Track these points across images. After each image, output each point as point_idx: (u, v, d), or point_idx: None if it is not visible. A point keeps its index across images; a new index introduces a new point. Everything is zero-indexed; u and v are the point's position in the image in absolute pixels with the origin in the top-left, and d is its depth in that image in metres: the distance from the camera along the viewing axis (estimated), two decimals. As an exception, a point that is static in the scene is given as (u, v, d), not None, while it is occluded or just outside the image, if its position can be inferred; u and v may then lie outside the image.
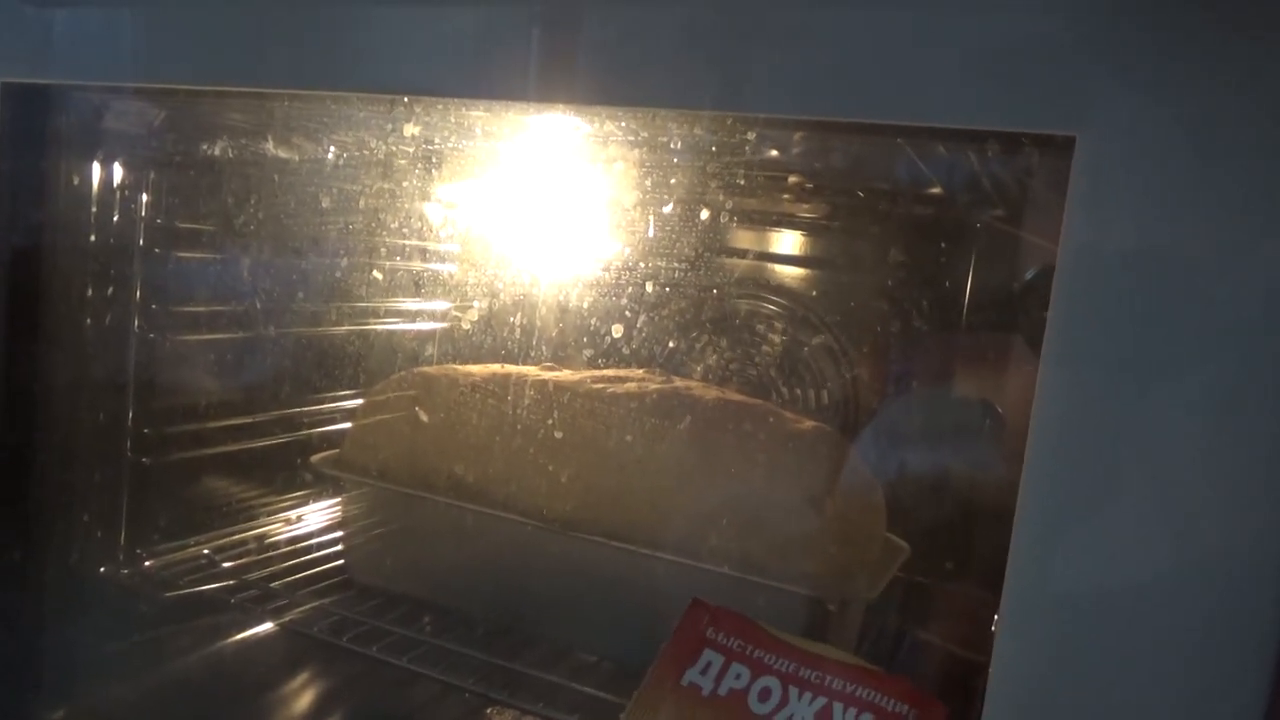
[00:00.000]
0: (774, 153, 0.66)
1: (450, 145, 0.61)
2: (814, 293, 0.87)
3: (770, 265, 0.89)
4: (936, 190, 0.73)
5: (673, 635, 0.50)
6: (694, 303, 0.83)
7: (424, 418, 0.69)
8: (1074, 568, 0.38)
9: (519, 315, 0.71)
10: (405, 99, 0.54)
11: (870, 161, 0.70)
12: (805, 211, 0.86)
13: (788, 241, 0.89)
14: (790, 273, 0.88)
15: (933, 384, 0.82)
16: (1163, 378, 0.37)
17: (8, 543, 0.66)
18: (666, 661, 0.48)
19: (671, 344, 0.78)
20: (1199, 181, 0.36)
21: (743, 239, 0.89)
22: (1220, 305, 0.36)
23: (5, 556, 0.66)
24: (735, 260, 0.88)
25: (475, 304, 0.71)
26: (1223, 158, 0.36)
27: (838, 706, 0.45)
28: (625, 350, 0.68)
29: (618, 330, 0.66)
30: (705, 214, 0.69)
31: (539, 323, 0.70)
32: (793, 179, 0.76)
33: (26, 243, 0.67)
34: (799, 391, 0.88)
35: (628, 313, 0.67)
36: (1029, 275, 0.68)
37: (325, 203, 0.74)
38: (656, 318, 0.70)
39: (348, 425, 0.81)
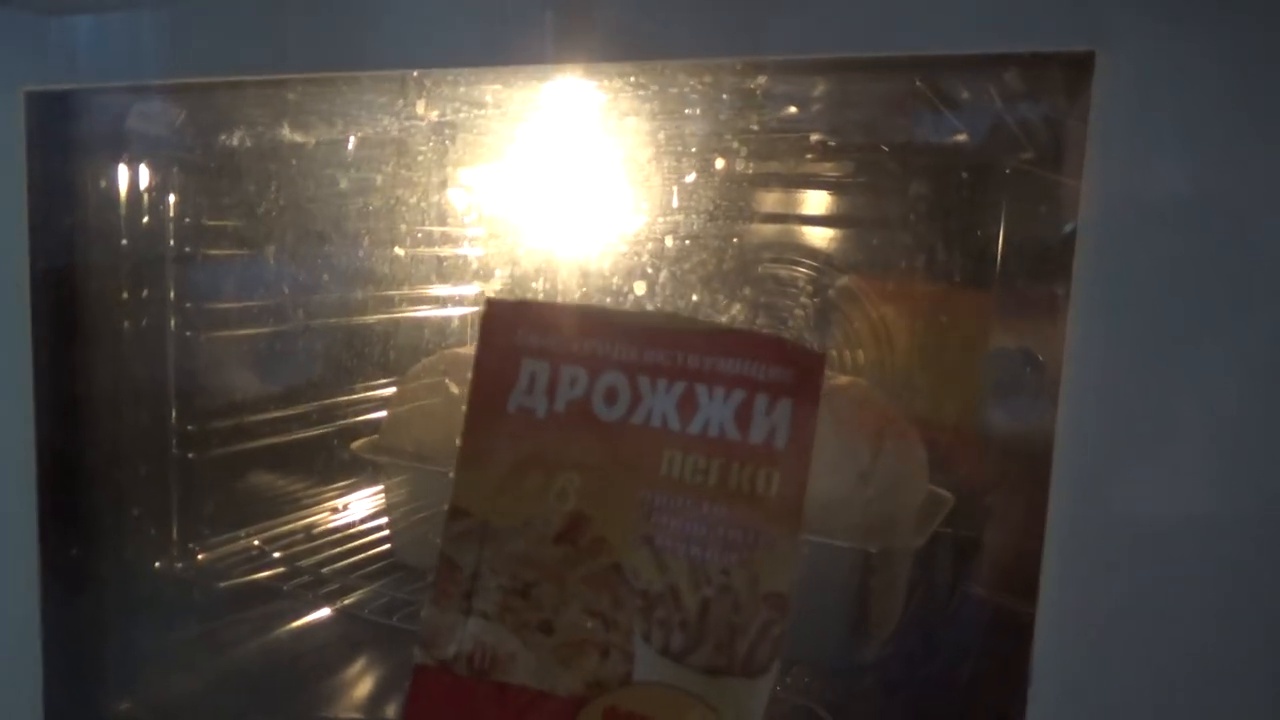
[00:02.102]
0: (793, 109, 0.65)
1: (462, 118, 0.61)
2: (844, 251, 0.86)
3: (797, 227, 0.88)
4: (962, 137, 0.71)
5: (478, 353, 0.38)
6: (725, 267, 0.83)
7: (455, 390, 0.69)
8: (1116, 515, 0.37)
9: (541, 282, 0.71)
10: (415, 75, 0.54)
11: (892, 112, 0.69)
12: (829, 170, 0.85)
13: (813, 201, 0.88)
14: (819, 232, 0.87)
15: (971, 335, 0.81)
16: (1206, 323, 0.36)
17: (64, 542, 0.68)
18: (481, 391, 0.37)
19: (695, 300, 0.77)
20: (1239, 107, 0.35)
21: (767, 201, 0.88)
22: (1264, 246, 0.35)
23: (63, 555, 0.68)
24: (762, 224, 0.88)
25: (497, 273, 0.71)
26: (1270, 86, 0.34)
27: (701, 390, 0.34)
28: (649, 308, 0.68)
29: (640, 288, 0.66)
30: (722, 173, 0.68)
31: (560, 287, 0.70)
32: (814, 136, 0.75)
33: (61, 249, 0.68)
34: (835, 352, 0.87)
35: (649, 269, 0.67)
36: (1066, 222, 0.67)
37: (344, 185, 0.75)
38: (679, 272, 0.70)
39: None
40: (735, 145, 0.66)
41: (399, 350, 0.89)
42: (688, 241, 0.68)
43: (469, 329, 0.92)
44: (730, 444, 0.34)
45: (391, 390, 0.84)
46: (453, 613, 0.33)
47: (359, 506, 0.90)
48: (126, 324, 0.74)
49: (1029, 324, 0.77)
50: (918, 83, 0.57)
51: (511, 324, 0.38)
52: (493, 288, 0.73)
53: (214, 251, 0.79)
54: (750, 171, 0.75)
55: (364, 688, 0.78)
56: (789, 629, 0.59)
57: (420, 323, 0.91)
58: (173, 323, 0.77)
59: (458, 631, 0.33)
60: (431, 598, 0.34)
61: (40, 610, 0.66)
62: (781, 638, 0.32)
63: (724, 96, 0.57)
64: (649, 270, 0.66)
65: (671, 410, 0.35)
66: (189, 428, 0.79)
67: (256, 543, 0.82)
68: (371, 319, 0.89)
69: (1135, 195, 0.37)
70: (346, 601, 0.75)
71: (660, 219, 0.67)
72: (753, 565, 0.32)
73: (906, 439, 0.67)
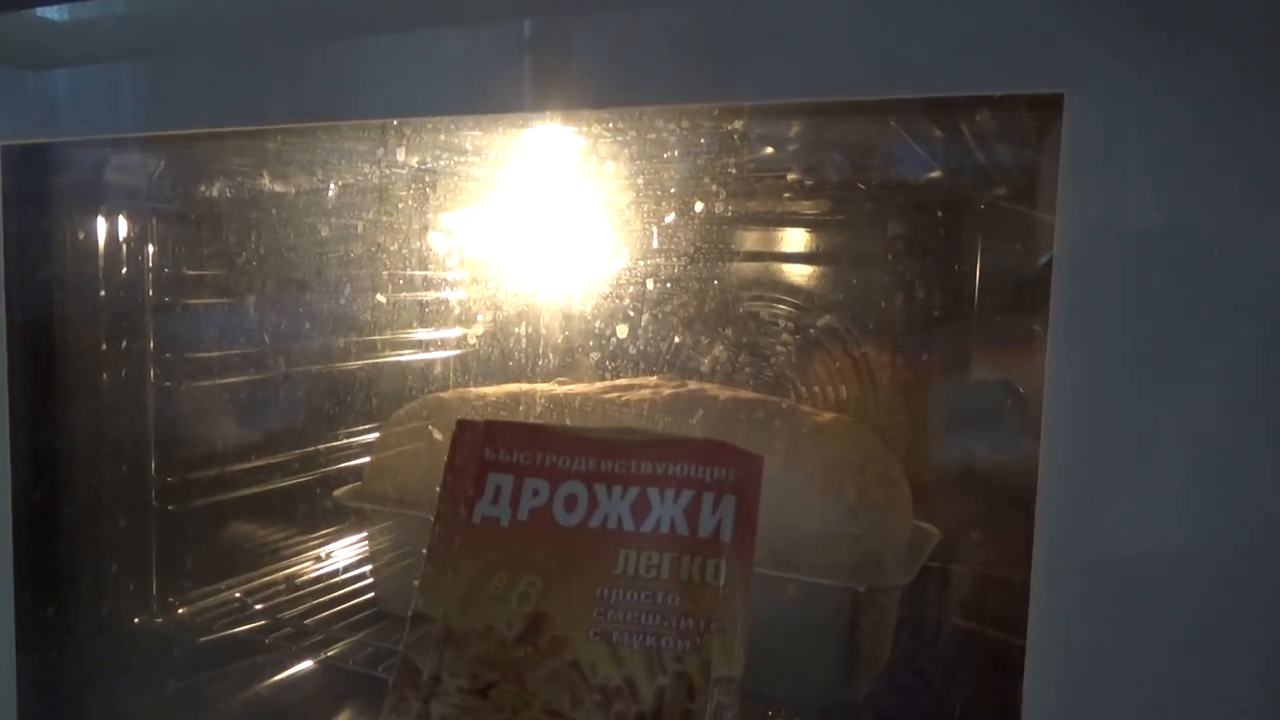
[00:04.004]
0: (770, 150, 0.66)
1: (443, 164, 0.62)
2: (824, 289, 0.87)
3: (777, 265, 0.89)
4: (937, 174, 0.72)
5: (447, 470, 0.41)
6: (707, 307, 0.83)
7: (438, 436, 0.69)
8: (1102, 541, 0.38)
9: (524, 326, 0.71)
10: (395, 123, 0.55)
11: (867, 151, 0.70)
12: (807, 209, 0.86)
13: (793, 240, 0.89)
14: (799, 270, 0.88)
15: (952, 369, 0.82)
16: (1182, 352, 0.36)
17: (40, 599, 0.67)
18: (450, 502, 0.40)
19: (678, 341, 0.77)
20: (1204, 147, 0.36)
21: (747, 241, 0.89)
22: (1235, 273, 0.35)
23: (39, 613, 0.67)
24: (742, 264, 0.88)
25: (479, 318, 0.71)
26: (1230, 121, 0.35)
27: (653, 493, 0.38)
28: (631, 350, 0.68)
29: (622, 331, 0.66)
30: (701, 215, 0.69)
31: (543, 331, 0.70)
32: (791, 176, 0.76)
33: (38, 301, 0.67)
34: (817, 389, 0.87)
35: (630, 312, 0.67)
36: (1042, 255, 0.68)
37: (325, 233, 0.75)
38: (661, 314, 0.70)
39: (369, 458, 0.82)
40: (714, 188, 0.67)
41: (381, 396, 0.89)
42: (669, 284, 0.69)
43: (451, 374, 0.92)
44: (680, 539, 0.36)
45: (374, 436, 0.84)
46: (411, 718, 0.35)
47: (342, 555, 0.89)
48: (105, 375, 0.73)
49: (1009, 356, 0.78)
50: (891, 123, 0.58)
51: (479, 443, 0.41)
52: (475, 332, 0.72)
53: (194, 301, 0.79)
54: (730, 212, 0.76)
55: (349, 740, 0.77)
56: (780, 670, 0.58)
57: (403, 368, 0.91)
58: (152, 373, 0.76)
59: None
60: (390, 704, 0.36)
61: (16, 667, 0.65)
62: None
63: (701, 140, 0.58)
64: (630, 313, 0.66)
65: (626, 513, 0.38)
66: (169, 479, 0.78)
67: (238, 595, 0.81)
68: (353, 365, 0.89)
69: (1107, 229, 0.37)
70: (330, 653, 0.74)
71: (641, 261, 0.68)
72: (705, 651, 0.34)
73: (891, 475, 0.67)
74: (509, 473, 0.40)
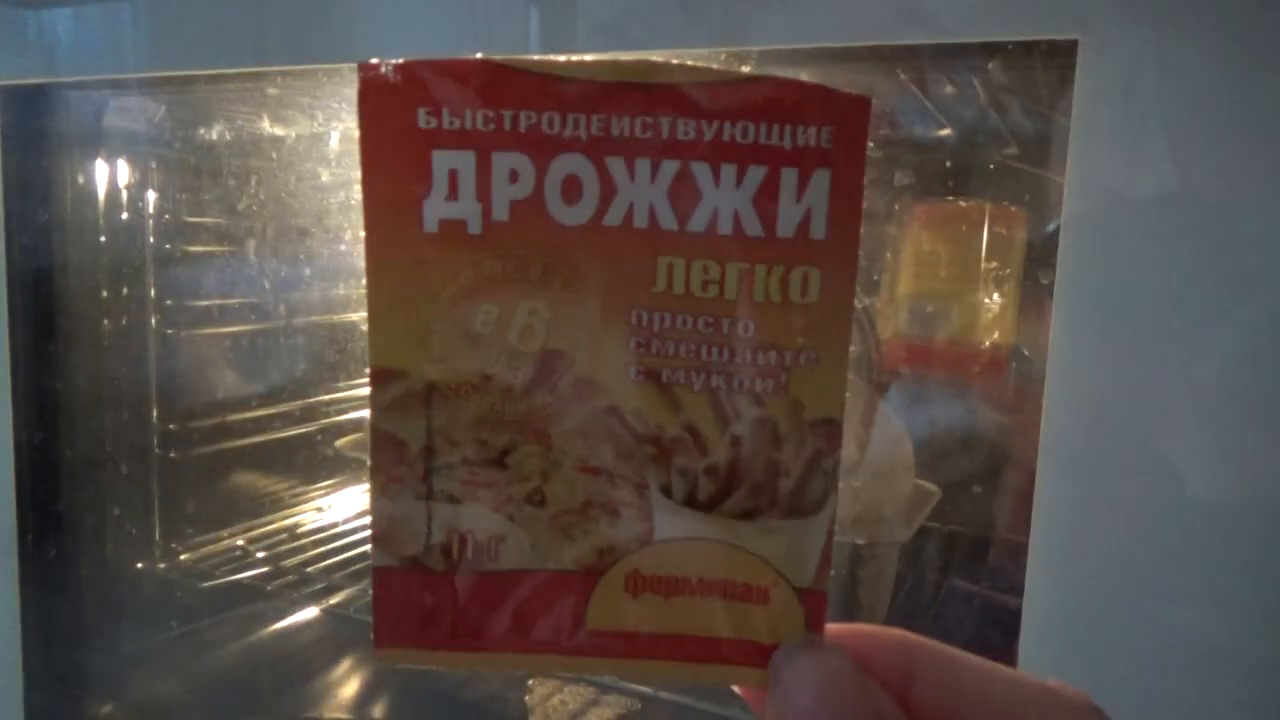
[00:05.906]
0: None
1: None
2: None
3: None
4: (946, 132, 0.71)
5: (363, 152, 0.25)
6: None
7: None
8: (1101, 506, 0.37)
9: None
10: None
11: (875, 108, 0.69)
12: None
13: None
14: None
15: (957, 328, 0.81)
16: (1189, 317, 0.35)
17: (43, 542, 0.67)
18: (380, 203, 0.25)
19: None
20: (1224, 99, 0.34)
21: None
22: (1248, 239, 0.35)
23: (42, 555, 0.67)
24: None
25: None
26: (1260, 80, 0.34)
27: (700, 170, 0.24)
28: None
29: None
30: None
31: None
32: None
33: (38, 246, 0.67)
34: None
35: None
36: (1050, 218, 0.67)
37: (325, 179, 0.74)
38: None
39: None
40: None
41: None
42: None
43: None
44: (750, 241, 0.24)
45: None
46: (408, 500, 0.24)
47: (344, 505, 0.90)
48: (106, 322, 0.73)
49: (1018, 320, 0.77)
50: (901, 76, 0.57)
51: (405, 99, 0.24)
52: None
53: (195, 248, 0.79)
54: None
55: (350, 687, 0.77)
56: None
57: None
58: (153, 320, 0.76)
59: (422, 522, 0.24)
60: (377, 485, 0.25)
61: (19, 612, 0.65)
62: (835, 471, 0.25)
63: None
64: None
65: (661, 201, 0.24)
66: (170, 426, 0.78)
67: (240, 542, 0.81)
68: (355, 315, 0.88)
69: (1119, 187, 0.36)
70: (332, 601, 0.74)
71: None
72: (793, 389, 0.25)
73: (891, 431, 0.67)
74: (465, 146, 0.24)
